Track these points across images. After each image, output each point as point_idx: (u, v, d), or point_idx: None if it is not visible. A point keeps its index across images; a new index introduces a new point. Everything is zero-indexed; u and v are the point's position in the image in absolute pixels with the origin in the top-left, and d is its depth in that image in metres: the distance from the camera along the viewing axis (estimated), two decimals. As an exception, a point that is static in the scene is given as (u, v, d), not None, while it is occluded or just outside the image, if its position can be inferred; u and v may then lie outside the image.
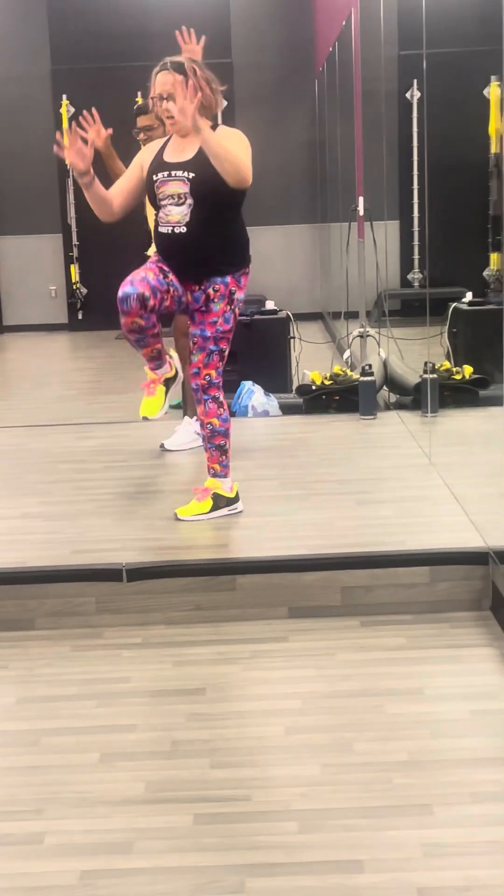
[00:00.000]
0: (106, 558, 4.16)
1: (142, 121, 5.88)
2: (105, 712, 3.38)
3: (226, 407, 4.59)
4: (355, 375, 6.54)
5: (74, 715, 3.37)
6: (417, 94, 11.48)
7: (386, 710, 3.29)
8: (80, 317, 12.48)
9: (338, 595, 4.03)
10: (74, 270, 12.40)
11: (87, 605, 4.05)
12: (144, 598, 4.04)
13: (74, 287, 12.42)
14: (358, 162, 7.76)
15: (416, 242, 11.93)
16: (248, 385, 6.84)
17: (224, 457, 4.60)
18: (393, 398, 6.94)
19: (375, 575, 4.03)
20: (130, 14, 11.98)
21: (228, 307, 4.40)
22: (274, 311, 7.81)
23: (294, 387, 7.15)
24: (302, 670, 3.62)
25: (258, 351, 7.48)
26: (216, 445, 4.59)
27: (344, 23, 8.37)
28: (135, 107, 6.04)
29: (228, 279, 4.37)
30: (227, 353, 4.52)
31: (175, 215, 4.31)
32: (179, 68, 4.28)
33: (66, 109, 12.09)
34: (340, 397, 6.55)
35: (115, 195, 4.53)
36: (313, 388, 6.62)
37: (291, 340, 7.80)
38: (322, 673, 3.58)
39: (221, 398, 4.56)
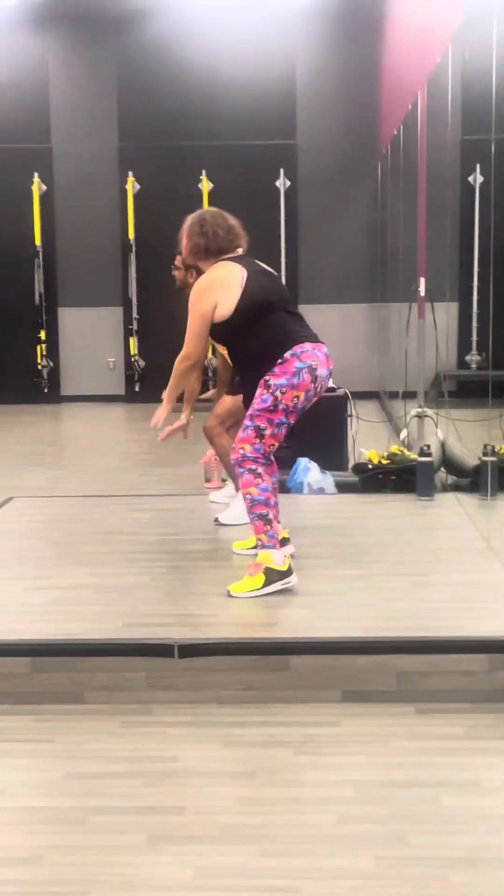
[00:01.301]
0: (157, 633, 4.11)
1: (177, 261, 6.22)
2: (153, 792, 3.30)
3: (266, 478, 4.59)
4: (413, 455, 6.49)
5: (122, 794, 3.30)
6: (481, 179, 11.54)
7: (442, 803, 3.19)
8: (137, 388, 12.57)
9: (393, 680, 3.93)
10: (133, 343, 12.52)
11: (137, 680, 3.98)
12: (195, 676, 3.97)
13: (133, 359, 12.53)
14: (420, 243, 7.79)
15: (475, 324, 11.91)
16: (304, 462, 6.80)
17: (269, 527, 4.58)
18: (450, 479, 6.86)
19: (432, 661, 3.94)
20: (198, 94, 12.22)
21: (266, 391, 4.58)
22: (332, 389, 7.79)
23: (350, 465, 7.10)
24: (354, 757, 3.52)
25: (315, 428, 7.43)
26: (258, 515, 4.59)
27: (410, 107, 8.46)
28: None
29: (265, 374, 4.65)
30: (266, 432, 4.57)
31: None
32: None
33: (131, 186, 12.31)
34: (397, 477, 6.50)
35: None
36: (370, 466, 6.58)
37: (349, 418, 7.77)
38: (375, 761, 3.49)
39: (260, 470, 4.60)
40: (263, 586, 4.50)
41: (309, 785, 3.36)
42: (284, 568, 4.54)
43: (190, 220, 4.88)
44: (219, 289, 4.67)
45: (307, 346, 4.60)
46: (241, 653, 4.01)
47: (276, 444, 4.66)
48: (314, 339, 4.67)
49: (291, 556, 4.91)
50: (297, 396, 4.54)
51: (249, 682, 3.97)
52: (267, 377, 4.56)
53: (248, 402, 4.75)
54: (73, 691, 3.98)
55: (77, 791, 3.33)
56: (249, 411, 4.62)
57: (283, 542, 4.95)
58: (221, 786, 3.34)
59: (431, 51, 7.37)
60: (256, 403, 4.58)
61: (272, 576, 4.51)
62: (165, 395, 4.91)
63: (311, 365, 4.55)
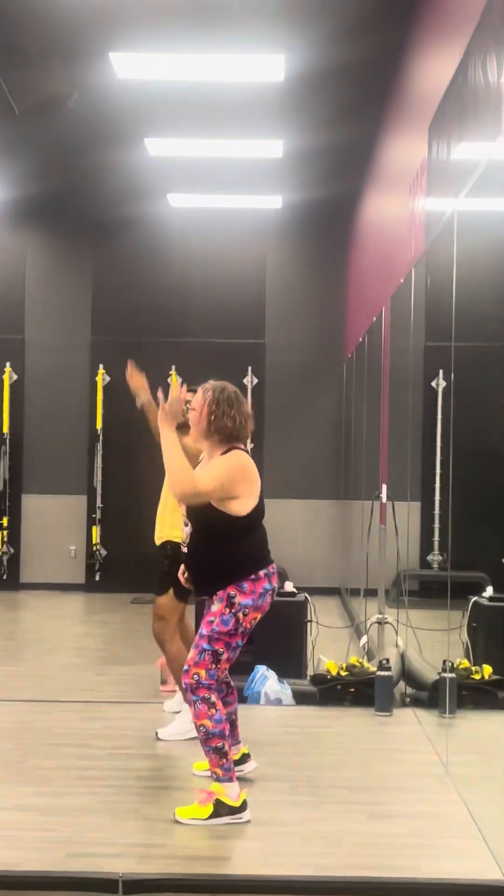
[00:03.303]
0: (102, 865, 3.93)
1: (187, 395, 6.12)
2: None
3: (220, 707, 4.44)
4: (372, 668, 6.40)
5: None
6: (443, 384, 11.82)
7: None
8: (97, 578, 12.44)
9: (345, 924, 3.76)
10: (96, 532, 12.48)
11: (78, 917, 3.79)
12: (139, 914, 3.79)
13: (94, 548, 12.46)
14: (383, 448, 7.91)
15: (436, 525, 11.97)
16: (262, 670, 6.69)
17: (224, 759, 4.42)
18: (409, 690, 6.76)
19: (386, 904, 3.78)
20: (170, 293, 12.57)
21: (228, 610, 4.43)
22: (292, 594, 7.75)
23: (309, 674, 6.99)
24: None
25: (274, 633, 7.33)
26: (213, 748, 4.42)
27: (375, 319, 8.73)
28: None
29: (228, 584, 4.46)
30: (223, 657, 4.45)
31: (186, 534, 4.65)
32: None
33: (101, 378, 12.50)
34: (356, 689, 6.39)
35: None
36: (329, 677, 6.48)
37: (308, 624, 7.69)
38: None
39: (213, 699, 4.44)
40: (210, 817, 4.33)
41: None
42: (237, 804, 4.38)
43: (220, 392, 4.55)
44: (250, 483, 4.48)
45: (272, 567, 4.58)
46: (188, 890, 3.85)
47: (229, 666, 4.57)
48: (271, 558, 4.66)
49: (252, 771, 4.79)
50: (255, 618, 4.49)
51: (195, 923, 3.78)
52: (231, 592, 4.43)
53: (197, 582, 4.62)
54: (9, 928, 3.78)
55: None
56: (206, 631, 4.44)
57: (243, 758, 4.83)
58: None
59: (396, 271, 7.66)
60: (216, 625, 4.42)
61: (222, 809, 4.35)
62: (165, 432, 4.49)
63: (274, 587, 4.53)
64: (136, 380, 5.91)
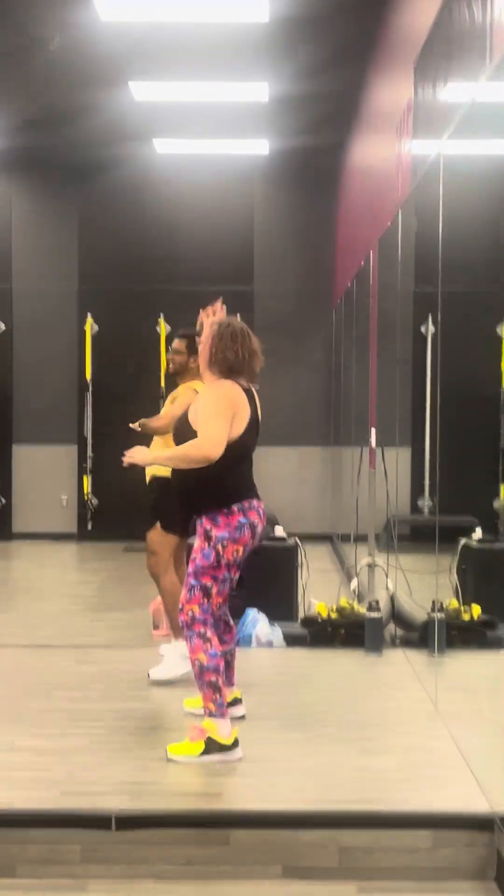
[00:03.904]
0: (95, 802, 3.99)
1: (174, 344, 6.16)
2: None
3: (215, 642, 4.52)
4: (362, 610, 6.46)
5: None
6: (432, 329, 11.81)
7: None
8: (89, 527, 12.49)
9: (335, 856, 3.84)
10: (87, 481, 12.51)
11: (72, 853, 3.85)
12: (133, 850, 3.86)
13: (86, 498, 12.49)
14: (372, 393, 7.91)
15: (426, 470, 12.02)
16: (252, 613, 6.75)
17: (218, 695, 4.48)
18: (400, 632, 6.83)
19: (375, 836, 3.85)
20: (158, 241, 12.49)
21: (206, 544, 4.51)
22: (283, 539, 7.79)
23: (300, 616, 7.05)
24: (294, 942, 3.41)
25: (265, 577, 7.40)
26: (208, 683, 4.49)
27: (363, 263, 8.69)
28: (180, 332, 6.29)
29: (203, 518, 4.53)
30: (213, 591, 4.53)
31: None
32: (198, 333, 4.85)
33: (90, 327, 12.46)
34: (346, 631, 6.45)
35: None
36: (319, 620, 6.53)
37: (299, 568, 7.74)
38: None
39: (209, 634, 4.51)
40: (201, 755, 4.39)
41: None
42: (229, 742, 4.43)
43: (225, 328, 4.62)
44: (239, 412, 4.52)
45: (254, 502, 4.61)
46: (180, 825, 3.91)
47: (223, 601, 4.63)
48: (257, 495, 4.68)
49: (241, 717, 4.84)
50: (237, 550, 4.52)
51: (189, 857, 3.86)
52: (207, 527, 4.49)
53: (180, 505, 4.76)
54: (4, 865, 3.84)
55: None
56: (191, 567, 4.54)
57: (235, 702, 4.88)
58: None
59: (383, 214, 7.62)
60: (199, 560, 4.51)
61: (213, 747, 4.40)
62: (153, 452, 4.89)
63: (252, 522, 4.55)
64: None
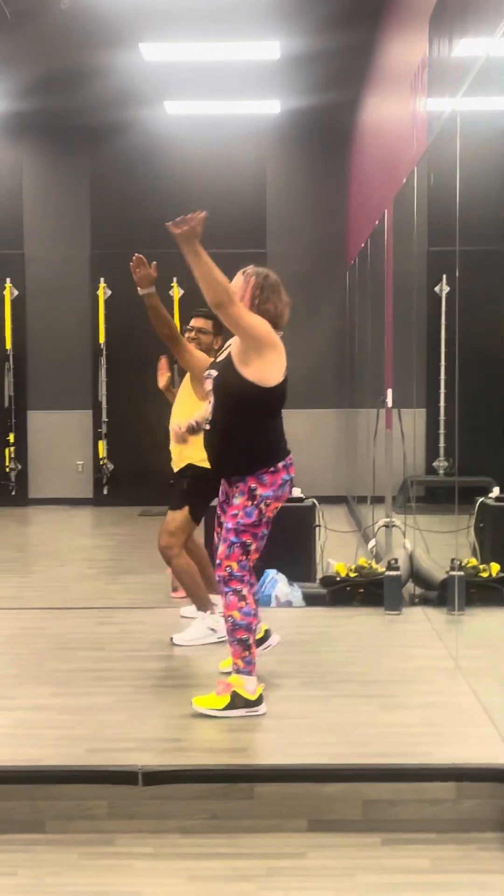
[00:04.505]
0: (121, 759, 4.03)
1: (197, 322, 6.04)
2: (113, 933, 3.21)
3: (250, 600, 4.54)
4: (381, 568, 6.48)
5: (81, 935, 3.20)
6: (447, 289, 11.75)
7: (409, 945, 3.11)
8: (105, 492, 12.54)
9: (359, 809, 3.87)
10: (102, 446, 12.54)
11: (99, 808, 3.90)
12: (159, 804, 3.90)
13: (101, 463, 12.53)
14: (388, 354, 7.89)
15: (442, 431, 12.00)
16: (272, 574, 6.77)
17: (247, 652, 4.53)
18: (418, 591, 6.85)
19: (398, 789, 3.88)
20: (170, 203, 12.37)
21: (250, 503, 4.50)
22: (300, 500, 7.80)
23: (318, 577, 7.08)
24: (320, 892, 3.45)
25: (283, 538, 7.39)
26: (238, 640, 4.52)
27: (377, 223, 8.64)
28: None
29: (248, 478, 4.50)
30: (252, 547, 4.54)
31: (207, 412, 4.61)
32: None
33: (102, 291, 12.44)
34: (365, 590, 6.48)
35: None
36: (338, 579, 6.56)
37: (316, 528, 7.76)
38: (341, 896, 3.41)
39: (245, 592, 4.53)
40: (226, 708, 4.44)
41: (274, 924, 3.28)
42: (253, 697, 4.48)
43: (264, 278, 4.60)
44: (279, 354, 4.50)
45: (290, 459, 4.64)
46: (206, 780, 3.95)
47: (258, 556, 4.66)
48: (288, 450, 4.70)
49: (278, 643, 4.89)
50: (276, 507, 4.57)
51: (214, 811, 3.90)
52: (252, 485, 4.48)
53: (218, 472, 4.66)
54: (33, 820, 3.89)
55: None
56: (232, 524, 4.49)
57: (266, 634, 4.91)
58: (184, 925, 3.25)
59: (397, 173, 7.57)
60: (241, 517, 4.49)
61: (238, 701, 4.45)
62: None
63: (292, 477, 4.61)
64: (142, 270, 5.82)
